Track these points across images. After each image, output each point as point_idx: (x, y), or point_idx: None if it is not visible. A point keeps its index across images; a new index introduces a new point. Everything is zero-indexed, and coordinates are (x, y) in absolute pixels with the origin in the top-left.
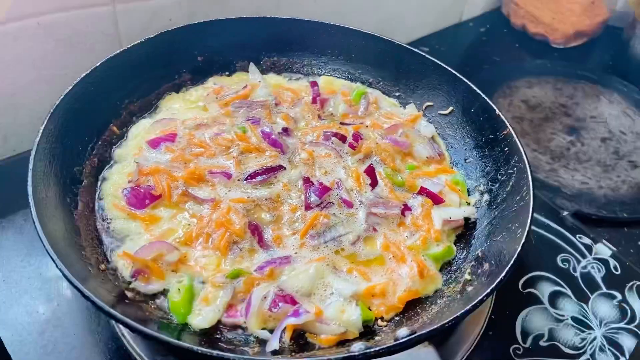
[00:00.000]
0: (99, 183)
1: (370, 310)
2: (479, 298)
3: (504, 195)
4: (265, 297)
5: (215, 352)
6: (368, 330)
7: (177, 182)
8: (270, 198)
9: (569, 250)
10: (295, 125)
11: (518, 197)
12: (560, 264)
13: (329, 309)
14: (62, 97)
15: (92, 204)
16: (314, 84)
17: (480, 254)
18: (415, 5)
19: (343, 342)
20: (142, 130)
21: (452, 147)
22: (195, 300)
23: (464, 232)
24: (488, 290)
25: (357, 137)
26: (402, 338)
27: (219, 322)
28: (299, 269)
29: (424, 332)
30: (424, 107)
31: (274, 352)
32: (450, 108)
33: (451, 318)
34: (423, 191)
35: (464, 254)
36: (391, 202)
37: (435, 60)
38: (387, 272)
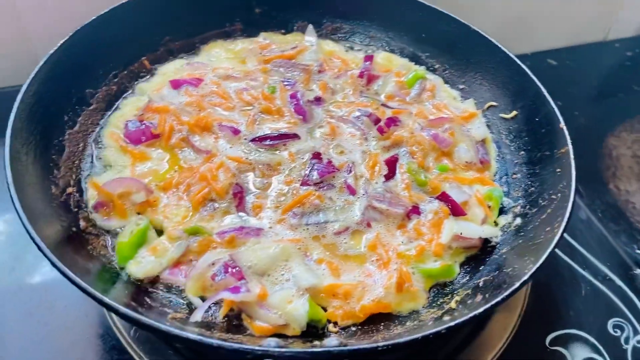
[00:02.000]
0: (109, 112)
1: (326, 310)
2: (431, 331)
3: (537, 223)
4: (213, 264)
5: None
6: (312, 332)
7: (181, 127)
8: (269, 164)
9: (628, 316)
10: (332, 96)
11: (548, 228)
12: (610, 329)
13: (276, 295)
14: (100, 14)
15: (91, 129)
16: (368, 58)
17: (481, 284)
18: (551, 13)
19: (277, 336)
20: (172, 69)
21: (502, 157)
22: (142, 247)
23: (478, 255)
24: (448, 326)
25: (392, 121)
26: (328, 347)
27: (158, 278)
28: (263, 244)
29: (348, 348)
30: (485, 107)
31: (201, 325)
32: (514, 112)
33: (387, 343)
34: (444, 197)
35: (465, 279)
36: (400, 200)
37: (512, 56)
38: (362, 274)
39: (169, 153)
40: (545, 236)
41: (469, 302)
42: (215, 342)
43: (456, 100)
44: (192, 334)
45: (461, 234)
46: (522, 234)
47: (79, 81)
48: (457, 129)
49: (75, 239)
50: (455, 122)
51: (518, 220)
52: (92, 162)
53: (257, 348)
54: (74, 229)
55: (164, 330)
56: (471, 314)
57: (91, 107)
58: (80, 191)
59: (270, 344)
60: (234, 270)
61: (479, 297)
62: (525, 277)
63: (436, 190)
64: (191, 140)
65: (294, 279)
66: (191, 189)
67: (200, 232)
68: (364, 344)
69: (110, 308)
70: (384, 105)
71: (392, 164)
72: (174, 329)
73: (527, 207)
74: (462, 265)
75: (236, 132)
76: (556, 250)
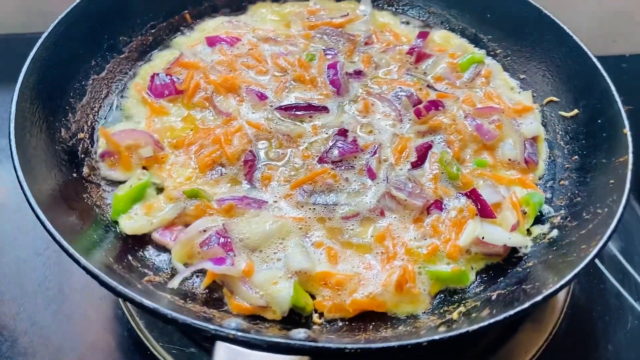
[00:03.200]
0: (142, 62)
1: (314, 298)
2: (406, 342)
3: (573, 238)
4: (204, 231)
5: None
6: (294, 319)
7: (207, 86)
8: (289, 135)
9: None
10: (374, 71)
11: (584, 246)
12: None
13: (261, 273)
14: None
15: (118, 78)
16: (422, 34)
17: (493, 297)
18: None
19: (255, 318)
20: (212, 25)
21: (553, 160)
22: (138, 203)
23: (500, 264)
24: (428, 339)
25: (433, 105)
26: (289, 339)
27: (149, 238)
28: (262, 217)
29: (309, 344)
30: (544, 102)
31: (177, 293)
32: (575, 111)
33: (355, 346)
34: (473, 195)
35: (479, 289)
36: (422, 191)
37: (584, 47)
38: (362, 265)
39: (187, 110)
40: (577, 254)
41: (473, 315)
42: (168, 313)
43: (513, 91)
44: (146, 299)
45: (483, 238)
46: (554, 248)
47: (114, 27)
48: (507, 122)
49: (72, 186)
50: (505, 115)
51: (554, 233)
52: (110, 110)
53: (210, 327)
54: (74, 174)
55: (117, 289)
56: (456, 332)
57: (122, 55)
58: (92, 139)
59: (230, 325)
60: (224, 240)
61: (485, 312)
62: (538, 298)
63: (467, 186)
64: (214, 100)
65: (285, 259)
66: (202, 150)
67: (200, 196)
68: (329, 342)
69: (72, 257)
70: (429, 86)
71: (423, 151)
72: (127, 289)
73: (568, 218)
74: (479, 273)
75: (263, 97)
76: (607, 273)
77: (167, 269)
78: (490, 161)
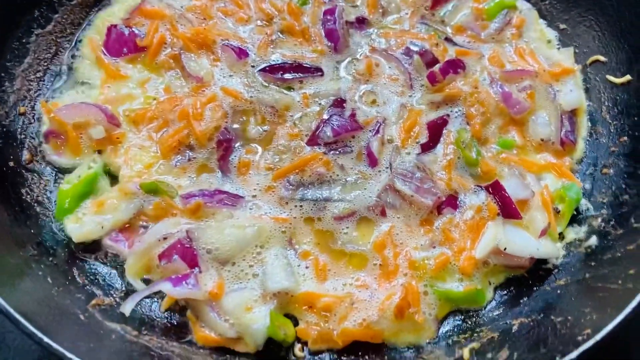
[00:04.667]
0: (98, 8)
1: (297, 324)
2: None
3: (619, 254)
4: (164, 238)
5: None
6: (271, 352)
7: (175, 40)
8: (274, 107)
9: None
10: (381, 18)
11: (632, 271)
12: None
13: (232, 296)
14: None
15: (69, 31)
16: None
17: (515, 328)
18: None
19: (224, 351)
20: None
21: (596, 139)
22: (87, 199)
23: (524, 278)
24: None
25: (452, 66)
26: None
27: (99, 242)
28: (237, 220)
29: None
30: (589, 61)
31: (132, 320)
32: (628, 77)
33: None
34: (496, 189)
35: (497, 312)
36: (432, 184)
37: None
38: (355, 282)
39: (151, 74)
40: (624, 283)
41: (488, 355)
42: None
43: (550, 46)
44: (75, 355)
45: (505, 249)
46: (593, 263)
47: None
48: (541, 89)
49: (8, 178)
50: (540, 79)
51: (593, 240)
52: (59, 75)
53: None
54: (11, 162)
55: (42, 343)
56: None
57: (74, 1)
58: (35, 114)
59: None
60: (187, 252)
61: (504, 354)
62: (572, 356)
63: (488, 176)
64: (183, 59)
65: (262, 275)
66: (166, 129)
67: (160, 192)
68: None
69: None
70: (447, 39)
71: (436, 128)
72: (53, 342)
73: (612, 223)
74: (498, 288)
75: (242, 54)
76: None
77: (120, 285)
78: (519, 141)
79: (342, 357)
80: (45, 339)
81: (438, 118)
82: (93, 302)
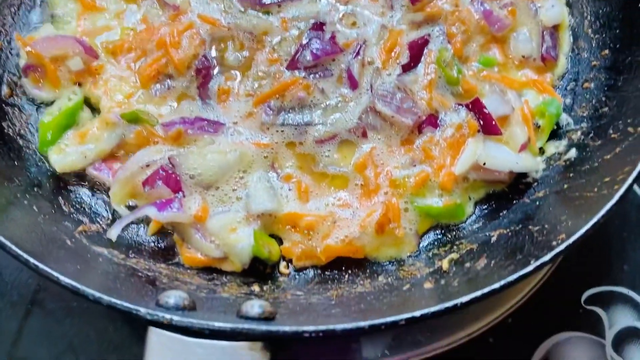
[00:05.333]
0: None
1: (281, 243)
2: (382, 320)
3: (596, 164)
4: (147, 166)
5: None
6: (257, 270)
7: None
8: (252, 32)
9: None
10: None
11: (608, 179)
12: None
13: (217, 218)
14: None
15: None
16: None
17: (493, 239)
18: None
19: (211, 270)
20: None
21: (577, 54)
22: (69, 130)
23: (504, 192)
24: (407, 317)
25: None
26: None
27: (83, 172)
28: (219, 146)
29: (261, 328)
30: None
31: (118, 244)
32: None
33: (317, 329)
34: (476, 106)
35: (477, 225)
36: (413, 104)
37: None
38: (337, 202)
39: (127, 3)
40: (599, 189)
41: (466, 265)
42: (90, 293)
43: None
44: (62, 275)
45: (484, 164)
46: (571, 174)
47: None
48: (522, 5)
49: None
50: None
51: (572, 153)
52: (33, 8)
53: (141, 311)
54: None
55: (29, 263)
56: (444, 305)
57: None
58: (11, 47)
59: (169, 302)
60: (170, 178)
61: (482, 262)
62: (545, 259)
63: (469, 94)
64: None
65: (246, 198)
66: (144, 58)
67: (141, 121)
68: (285, 326)
69: None
70: None
71: (417, 48)
72: (42, 264)
73: (590, 135)
74: (478, 203)
75: None
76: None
77: (106, 212)
78: (500, 59)
79: (326, 272)
80: (32, 260)
81: (419, 38)
82: (80, 228)
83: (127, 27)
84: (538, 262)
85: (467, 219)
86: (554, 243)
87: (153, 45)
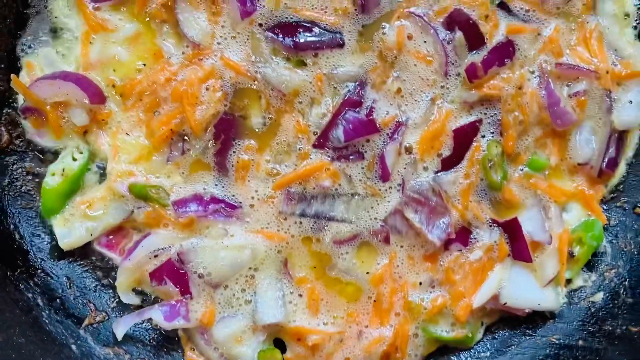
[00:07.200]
0: None
1: (284, 350)
2: None
3: (623, 329)
4: (155, 256)
5: None
6: None
7: None
8: (282, 91)
9: None
10: None
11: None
12: None
13: (224, 324)
14: None
15: None
16: None
17: None
18: None
19: None
20: None
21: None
22: (75, 197)
23: (519, 321)
24: None
25: (498, 55)
26: None
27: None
28: (232, 238)
29: None
30: None
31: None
32: None
33: None
34: (512, 229)
35: (484, 354)
36: (444, 216)
37: None
38: (347, 317)
39: (140, 25)
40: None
41: None
42: None
43: (625, 24)
44: None
45: (505, 304)
46: (591, 329)
47: None
48: (597, 95)
49: None
50: (601, 83)
51: (599, 297)
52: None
53: None
54: None
55: None
56: None
57: None
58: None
59: None
60: (178, 276)
61: None
62: None
63: (508, 204)
64: (178, 13)
65: (254, 305)
66: (158, 110)
67: (150, 200)
68: None
69: None
70: (502, 5)
71: (464, 138)
72: None
73: (626, 283)
74: (489, 328)
75: (248, 10)
76: None
77: (112, 296)
78: (553, 161)
79: None
80: None
81: (468, 124)
82: (87, 319)
83: (138, 57)
84: None
85: (474, 344)
86: None
87: (168, 93)
